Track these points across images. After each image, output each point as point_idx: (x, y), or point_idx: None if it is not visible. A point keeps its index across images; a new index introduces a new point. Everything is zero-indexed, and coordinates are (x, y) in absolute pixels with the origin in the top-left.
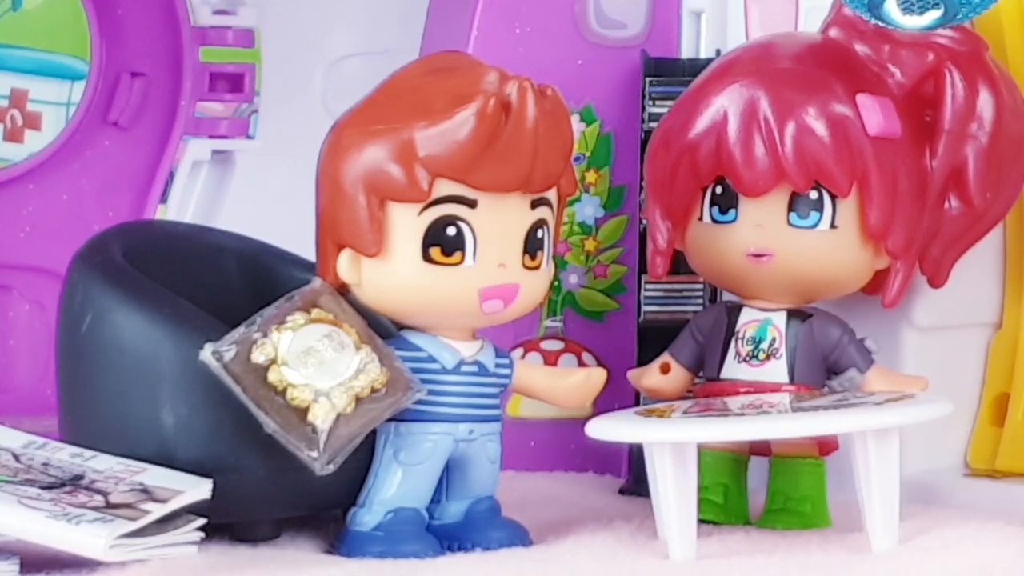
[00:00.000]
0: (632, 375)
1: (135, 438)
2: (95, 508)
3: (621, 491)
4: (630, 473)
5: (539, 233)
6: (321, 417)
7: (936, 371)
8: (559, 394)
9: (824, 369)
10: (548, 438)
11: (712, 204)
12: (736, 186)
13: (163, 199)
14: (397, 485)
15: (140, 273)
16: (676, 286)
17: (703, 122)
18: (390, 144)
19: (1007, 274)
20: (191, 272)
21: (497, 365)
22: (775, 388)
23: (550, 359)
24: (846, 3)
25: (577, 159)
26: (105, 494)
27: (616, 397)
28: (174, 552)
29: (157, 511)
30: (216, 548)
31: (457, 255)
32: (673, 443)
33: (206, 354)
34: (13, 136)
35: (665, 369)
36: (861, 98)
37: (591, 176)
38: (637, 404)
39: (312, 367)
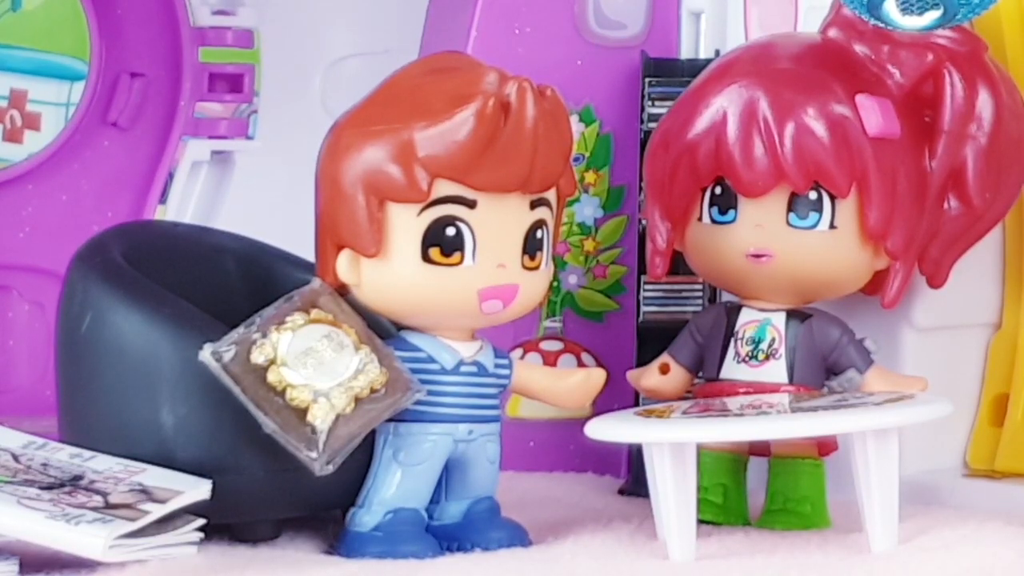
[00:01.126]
0: (631, 375)
1: (134, 438)
2: (94, 508)
3: (620, 491)
4: (629, 473)
5: (538, 233)
6: (320, 417)
7: (936, 371)
8: (558, 394)
9: (823, 369)
10: (547, 438)
11: (711, 204)
12: (735, 186)
13: (162, 199)
14: (396, 485)
15: (140, 273)
16: (675, 286)
17: (702, 122)
18: (389, 144)
19: (1007, 274)
20: (191, 272)
21: (496, 365)
22: (774, 388)
23: (549, 359)
24: (845, 3)
25: (576, 159)
26: (104, 494)
27: (615, 397)
28: (173, 552)
29: (156, 511)
30: (216, 548)
31: (456, 255)
32: (672, 443)
33: (205, 354)
34: (12, 136)
35: (664, 369)
36: (860, 99)
37: (590, 176)
38: (636, 404)
39: (311, 367)
